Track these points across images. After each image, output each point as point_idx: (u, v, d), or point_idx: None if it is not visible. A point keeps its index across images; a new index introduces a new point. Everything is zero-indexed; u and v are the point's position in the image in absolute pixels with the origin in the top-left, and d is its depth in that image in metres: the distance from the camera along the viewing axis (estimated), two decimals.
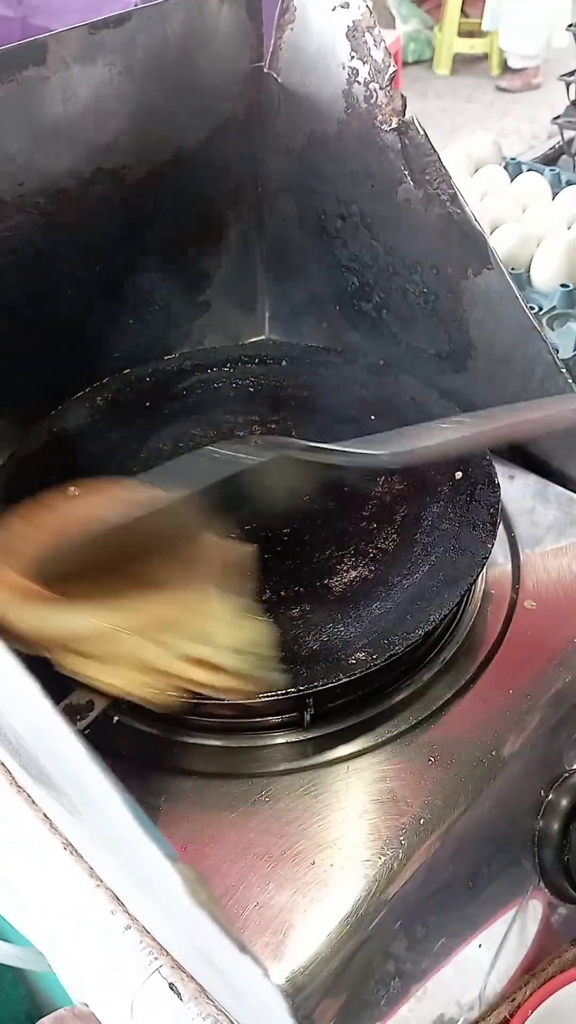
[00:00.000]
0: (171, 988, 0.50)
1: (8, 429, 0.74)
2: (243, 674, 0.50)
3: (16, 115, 0.65)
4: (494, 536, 0.61)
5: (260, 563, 0.60)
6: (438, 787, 0.54)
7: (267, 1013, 0.36)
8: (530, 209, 1.16)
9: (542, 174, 1.25)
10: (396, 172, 0.71)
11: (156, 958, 0.51)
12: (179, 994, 0.49)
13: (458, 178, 0.97)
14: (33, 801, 0.58)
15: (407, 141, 0.69)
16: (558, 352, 0.82)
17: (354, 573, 0.61)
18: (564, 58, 3.21)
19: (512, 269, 1.04)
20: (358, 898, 0.50)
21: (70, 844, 0.55)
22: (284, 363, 0.82)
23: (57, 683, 0.60)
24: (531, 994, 0.55)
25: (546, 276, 1.05)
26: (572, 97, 1.41)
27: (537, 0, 3.67)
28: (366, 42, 0.69)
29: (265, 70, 0.77)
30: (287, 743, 0.57)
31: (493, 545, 0.61)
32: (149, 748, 0.58)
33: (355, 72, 0.70)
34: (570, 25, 1.52)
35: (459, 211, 0.68)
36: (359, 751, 0.56)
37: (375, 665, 0.54)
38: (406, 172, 0.70)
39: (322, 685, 0.53)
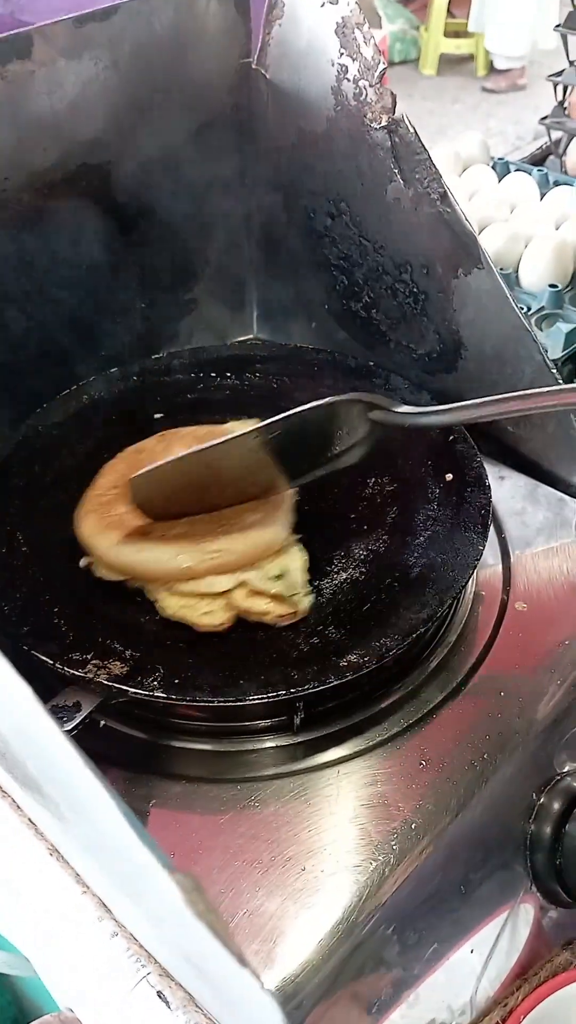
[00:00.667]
0: (159, 996, 0.49)
1: None
2: (282, 597, 0.57)
3: (0, 109, 0.64)
4: (485, 538, 0.61)
5: None
6: (429, 791, 0.54)
7: None
8: (518, 209, 1.16)
9: (530, 174, 1.25)
10: (386, 170, 0.70)
11: (144, 966, 0.50)
12: (167, 1002, 0.48)
13: (446, 178, 0.97)
14: (18, 806, 0.57)
15: (397, 139, 0.68)
16: (547, 352, 0.82)
17: (344, 575, 0.61)
18: (549, 60, 3.22)
19: (500, 269, 1.04)
20: (349, 904, 0.49)
21: (56, 850, 0.55)
22: (273, 363, 0.81)
23: (44, 684, 0.59)
24: (523, 999, 0.54)
25: (534, 276, 1.05)
26: (559, 98, 1.41)
27: (522, 2, 3.68)
28: (355, 38, 0.68)
29: (253, 66, 0.77)
30: (277, 747, 0.57)
31: (484, 548, 0.60)
32: (136, 752, 0.57)
33: (344, 69, 0.69)
34: (557, 26, 1.52)
35: (449, 210, 0.68)
36: (350, 755, 0.56)
37: (366, 668, 0.53)
38: (396, 170, 0.69)
39: (312, 688, 0.52)
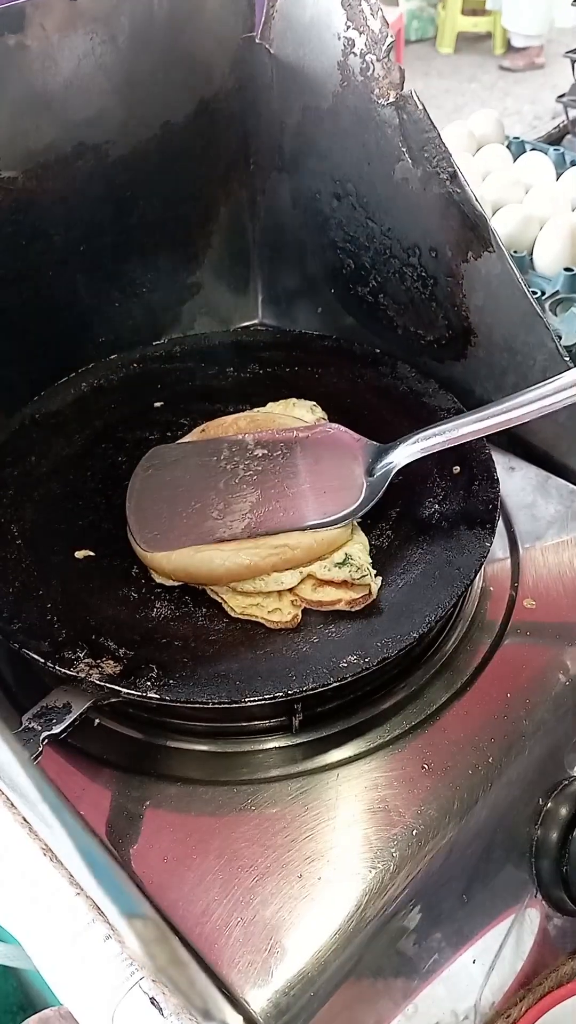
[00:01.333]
0: (152, 1003, 0.47)
1: None
2: (351, 582, 0.56)
3: None
4: (493, 534, 0.59)
5: None
6: (431, 796, 0.52)
7: None
8: (533, 190, 1.12)
9: (546, 154, 1.21)
10: (394, 149, 0.67)
11: (136, 971, 0.48)
12: (160, 1009, 0.47)
13: (460, 157, 0.94)
14: (12, 804, 0.55)
15: (405, 116, 0.65)
16: (561, 339, 0.79)
17: None
18: (567, 38, 3.16)
19: (514, 252, 1.01)
20: (347, 914, 0.47)
21: (50, 850, 0.53)
22: (276, 350, 0.79)
23: (34, 685, 0.58)
24: (527, 1010, 0.53)
25: (549, 259, 1.02)
26: None
27: None
28: (362, 11, 0.65)
29: (257, 40, 0.74)
30: (275, 748, 0.55)
31: (491, 544, 0.58)
32: (132, 752, 0.56)
33: (351, 43, 0.67)
34: (574, 2, 1.48)
35: (459, 191, 0.65)
36: (350, 757, 0.54)
37: (366, 669, 0.51)
38: (404, 149, 0.67)
39: (311, 689, 0.51)
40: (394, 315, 0.77)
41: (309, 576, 0.57)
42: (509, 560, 0.66)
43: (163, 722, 0.57)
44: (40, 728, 0.49)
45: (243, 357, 0.79)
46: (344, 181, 0.74)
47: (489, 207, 1.07)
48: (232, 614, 0.56)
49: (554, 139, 1.35)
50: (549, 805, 0.56)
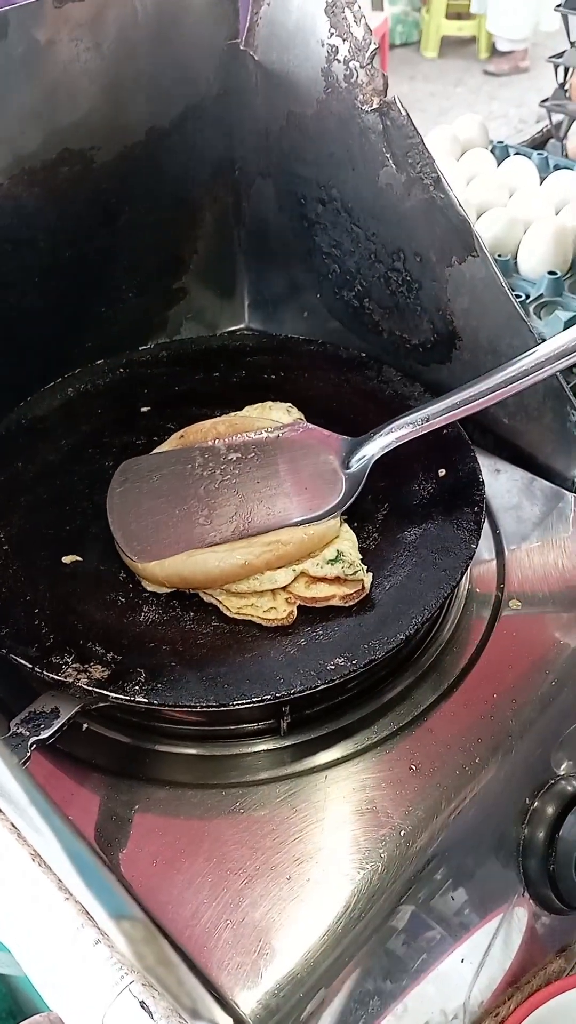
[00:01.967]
0: (142, 1007, 0.48)
1: None
2: (343, 578, 0.57)
3: None
4: (478, 536, 0.59)
5: None
6: (419, 796, 0.52)
7: None
8: (517, 194, 1.13)
9: (530, 158, 1.22)
10: (378, 155, 0.68)
11: (126, 975, 0.49)
12: (150, 1012, 0.47)
13: (444, 161, 0.95)
14: (1, 810, 0.55)
15: (388, 122, 0.66)
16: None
17: None
18: (552, 42, 3.18)
19: (498, 256, 1.02)
20: (336, 915, 0.48)
21: (38, 855, 0.53)
22: (263, 355, 0.79)
23: (22, 691, 0.58)
24: (515, 1008, 0.53)
25: (533, 263, 1.03)
26: (560, 79, 1.38)
27: None
28: (346, 18, 0.66)
29: (241, 47, 0.74)
30: (264, 751, 0.55)
31: (477, 546, 0.59)
32: (120, 757, 0.56)
33: (335, 50, 0.67)
34: (558, 6, 1.48)
35: (443, 196, 0.65)
36: (338, 759, 0.54)
37: (354, 671, 0.52)
38: (388, 155, 0.67)
39: (298, 692, 0.51)
40: (379, 319, 0.78)
41: (302, 574, 0.58)
42: (495, 561, 0.67)
43: (151, 726, 0.57)
44: (28, 733, 0.49)
45: (229, 362, 0.79)
46: (329, 187, 0.74)
47: (473, 211, 1.08)
48: (228, 615, 0.57)
49: (538, 143, 1.36)
50: (536, 804, 0.57)
